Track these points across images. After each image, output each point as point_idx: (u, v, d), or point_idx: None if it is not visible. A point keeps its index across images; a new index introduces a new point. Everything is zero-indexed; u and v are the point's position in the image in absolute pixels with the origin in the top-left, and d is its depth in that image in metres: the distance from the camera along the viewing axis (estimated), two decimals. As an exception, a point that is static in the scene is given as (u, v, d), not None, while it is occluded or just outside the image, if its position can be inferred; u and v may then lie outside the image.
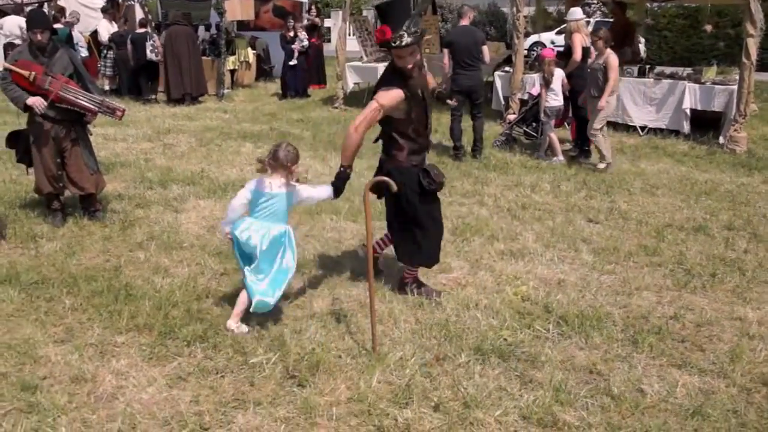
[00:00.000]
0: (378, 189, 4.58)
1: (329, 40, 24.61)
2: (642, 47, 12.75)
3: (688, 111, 10.09)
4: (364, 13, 26.41)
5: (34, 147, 6.03)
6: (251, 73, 16.79)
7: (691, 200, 7.12)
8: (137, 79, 14.13)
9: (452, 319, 4.41)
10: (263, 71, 17.46)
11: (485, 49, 8.79)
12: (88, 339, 4.15)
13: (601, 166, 8.24)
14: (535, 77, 10.38)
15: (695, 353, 4.04)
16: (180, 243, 5.81)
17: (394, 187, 4.03)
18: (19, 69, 5.70)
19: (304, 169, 8.35)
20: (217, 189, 7.41)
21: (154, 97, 14.08)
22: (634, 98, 10.56)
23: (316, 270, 5.22)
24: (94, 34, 15.18)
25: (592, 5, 25.38)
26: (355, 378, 3.71)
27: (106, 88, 14.59)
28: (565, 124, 9.98)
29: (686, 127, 10.13)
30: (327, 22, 26.81)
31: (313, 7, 17.02)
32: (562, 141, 9.49)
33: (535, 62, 9.21)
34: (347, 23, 13.37)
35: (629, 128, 10.62)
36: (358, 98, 13.67)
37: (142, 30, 13.91)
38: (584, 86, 9.14)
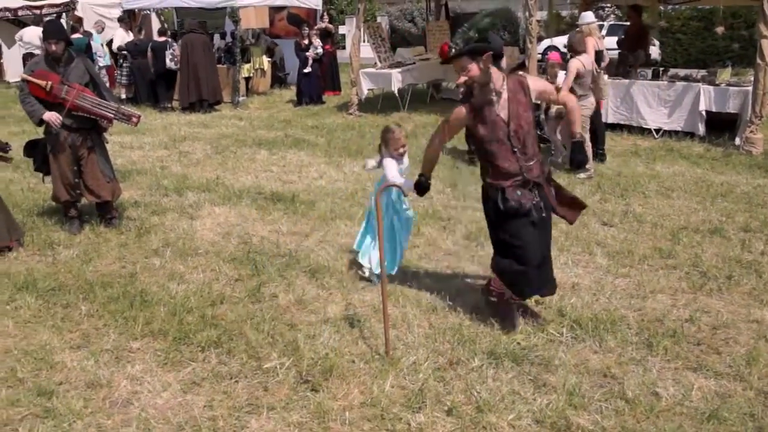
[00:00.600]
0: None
1: (343, 47, 24.68)
2: (656, 50, 12.68)
3: (703, 113, 10.01)
4: (378, 19, 26.49)
5: (51, 155, 6.12)
6: (266, 80, 16.88)
7: (706, 202, 7.06)
8: (155, 87, 14.28)
9: (466, 323, 4.40)
10: (278, 78, 17.55)
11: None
12: (103, 345, 4.19)
13: (582, 175, 8.08)
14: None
15: (711, 356, 4.01)
16: (195, 249, 5.85)
17: (406, 192, 4.04)
18: (36, 79, 5.79)
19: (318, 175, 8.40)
20: (232, 196, 7.46)
21: (170, 105, 14.21)
22: (648, 101, 10.48)
23: (330, 275, 5.23)
24: (110, 43, 15.37)
25: (606, 9, 25.29)
26: (369, 382, 3.72)
27: (123, 96, 14.76)
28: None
29: (701, 129, 10.04)
30: (341, 29, 26.91)
31: (326, 14, 17.05)
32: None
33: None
34: (361, 30, 13.43)
35: (644, 131, 10.56)
36: (372, 104, 13.70)
37: (162, 39, 14.06)
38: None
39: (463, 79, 4.10)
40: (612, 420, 3.38)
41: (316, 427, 3.38)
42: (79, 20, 15.96)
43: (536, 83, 4.26)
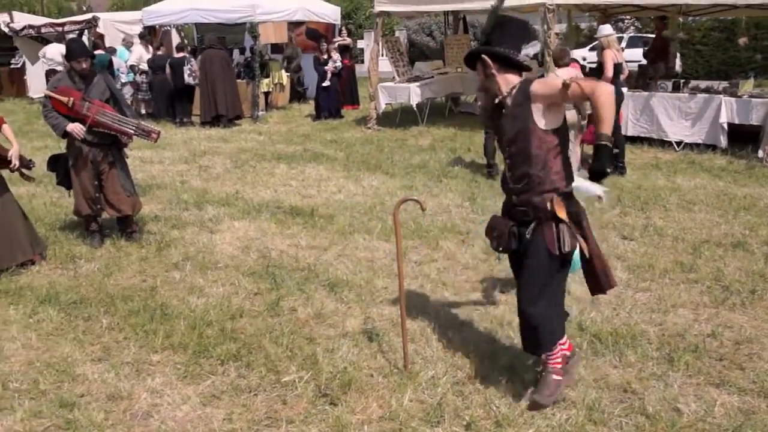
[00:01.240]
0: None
1: (362, 61, 24.81)
2: (678, 61, 12.61)
3: (725, 125, 9.92)
4: (396, 33, 26.63)
5: (73, 170, 6.21)
6: (285, 95, 17.01)
7: (729, 216, 6.98)
8: (174, 102, 14.45)
9: (484, 337, 4.38)
10: (297, 93, 17.68)
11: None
12: (124, 358, 4.23)
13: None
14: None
15: (734, 372, 3.95)
16: (215, 263, 5.89)
17: (424, 206, 4.01)
18: (59, 95, 5.89)
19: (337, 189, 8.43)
20: (252, 210, 7.50)
21: (189, 120, 14.36)
22: (668, 113, 10.40)
23: (349, 289, 5.24)
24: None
25: (626, 21, 25.19)
26: (387, 396, 3.72)
27: (143, 111, 14.95)
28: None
29: (723, 141, 9.95)
30: (359, 44, 27.07)
31: (345, 28, 17.17)
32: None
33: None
34: (379, 44, 13.50)
35: (664, 143, 10.49)
36: (390, 118, 13.75)
37: (180, 55, 14.24)
38: (617, 103, 9.06)
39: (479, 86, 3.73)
40: (633, 436, 3.35)
41: (334, 441, 3.38)
42: (101, 37, 16.22)
43: (540, 86, 3.42)
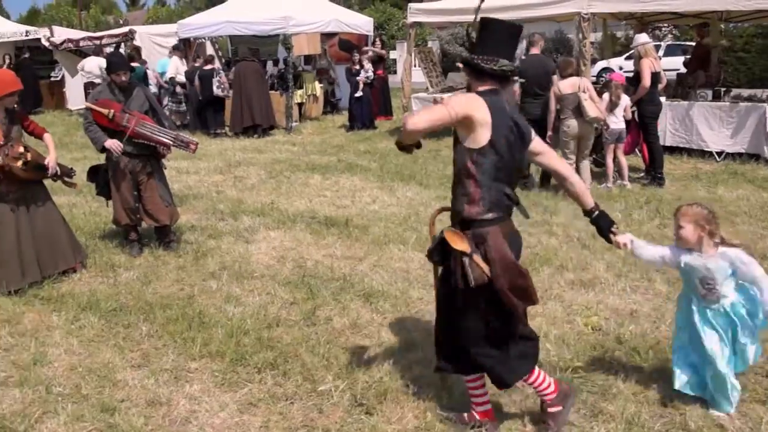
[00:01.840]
0: None
1: (395, 72, 24.92)
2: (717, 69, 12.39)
3: (769, 134, 9.69)
4: (429, 44, 26.66)
5: (112, 181, 6.33)
6: (318, 106, 17.14)
7: (772, 227, 6.83)
8: (204, 113, 14.65)
9: (521, 349, 4.33)
10: (330, 104, 17.80)
11: (555, 78, 8.73)
12: (163, 364, 4.28)
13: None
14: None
15: (780, 388, 3.85)
16: (251, 273, 5.94)
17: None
18: (100, 108, 6.01)
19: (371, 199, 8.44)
20: (287, 220, 7.55)
21: (223, 131, 14.55)
22: (709, 122, 10.18)
23: (384, 299, 5.24)
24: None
25: (663, 28, 24.84)
26: (423, 407, 3.70)
27: (177, 123, 15.17)
28: (636, 150, 9.73)
29: (767, 151, 9.73)
30: (392, 54, 27.19)
31: (377, 39, 17.24)
32: (633, 169, 9.29)
33: (603, 88, 9.02)
34: (412, 55, 13.52)
35: (704, 154, 10.29)
36: (423, 128, 13.71)
37: (209, 67, 14.43)
38: (655, 112, 8.94)
39: None
40: (675, 451, 3.28)
41: (370, 451, 3.38)
42: (137, 49, 16.53)
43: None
